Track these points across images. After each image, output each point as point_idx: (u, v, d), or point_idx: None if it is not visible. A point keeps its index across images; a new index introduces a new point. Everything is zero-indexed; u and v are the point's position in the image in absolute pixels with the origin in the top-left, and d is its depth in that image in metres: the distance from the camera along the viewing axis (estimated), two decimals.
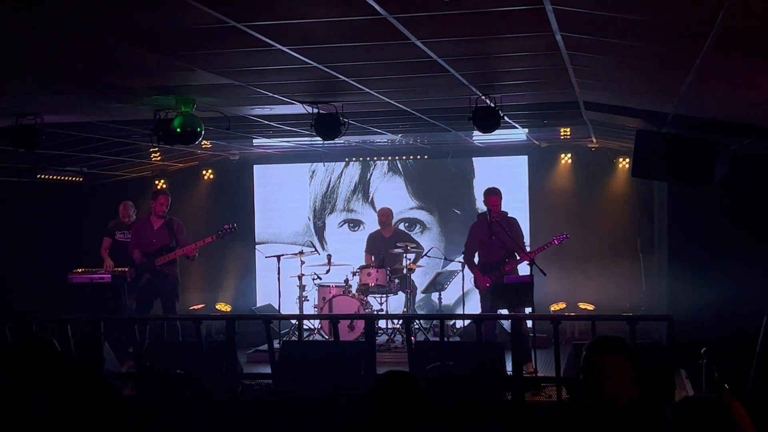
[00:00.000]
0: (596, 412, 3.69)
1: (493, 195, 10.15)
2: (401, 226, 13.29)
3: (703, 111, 7.47)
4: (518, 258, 10.00)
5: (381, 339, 11.00)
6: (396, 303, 12.30)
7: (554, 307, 12.29)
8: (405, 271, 11.57)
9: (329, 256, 12.10)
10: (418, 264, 11.96)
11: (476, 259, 10.31)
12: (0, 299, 11.23)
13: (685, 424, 2.78)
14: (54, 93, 7.36)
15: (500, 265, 9.97)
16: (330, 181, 14.23)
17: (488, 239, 10.02)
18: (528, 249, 10.52)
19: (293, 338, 11.11)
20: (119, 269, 11.39)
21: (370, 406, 2.95)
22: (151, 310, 10.64)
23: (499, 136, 11.22)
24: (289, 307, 12.27)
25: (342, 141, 11.61)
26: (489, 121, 8.08)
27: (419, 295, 12.40)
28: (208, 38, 5.39)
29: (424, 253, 12.00)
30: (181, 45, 5.63)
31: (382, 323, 11.66)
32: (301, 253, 12.09)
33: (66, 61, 6.09)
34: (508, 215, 10.31)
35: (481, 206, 13.26)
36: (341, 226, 14.20)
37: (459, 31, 5.38)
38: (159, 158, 12.85)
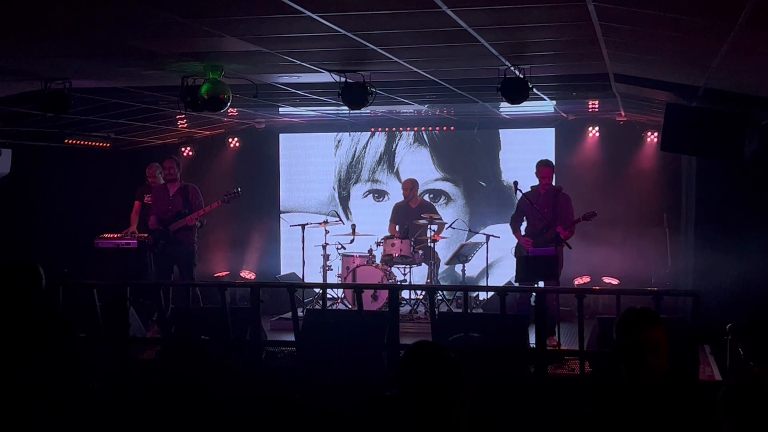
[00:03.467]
0: (634, 385, 3.69)
1: (545, 167, 10.30)
2: (426, 197, 13.27)
3: (734, 85, 7.38)
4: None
5: (404, 309, 11.03)
6: (419, 274, 12.31)
7: (579, 281, 12.25)
8: (429, 242, 11.57)
9: (353, 226, 12.12)
10: (442, 235, 11.94)
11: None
12: None
13: (735, 402, 2.77)
14: (83, 57, 7.38)
15: (539, 236, 10.00)
16: (355, 151, 14.22)
17: (530, 209, 10.12)
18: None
19: (317, 307, 11.16)
20: (143, 235, 11.46)
21: (399, 375, 2.96)
22: (171, 276, 10.72)
23: (527, 108, 11.15)
24: (313, 276, 12.33)
25: (368, 111, 11.59)
26: (518, 92, 8.02)
27: (442, 267, 12.41)
28: (237, 4, 5.38)
29: (448, 225, 11.98)
30: (210, 11, 5.62)
31: (405, 294, 11.69)
32: (326, 222, 12.11)
33: (95, 26, 6.09)
34: (562, 191, 10.36)
35: (506, 178, 13.25)
36: (366, 196, 14.20)
37: (490, 0, 5.33)
38: (185, 125, 12.87)
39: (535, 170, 10.33)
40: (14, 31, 6.24)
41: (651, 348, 3.68)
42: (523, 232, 10.40)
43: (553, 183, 10.50)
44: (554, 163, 12.81)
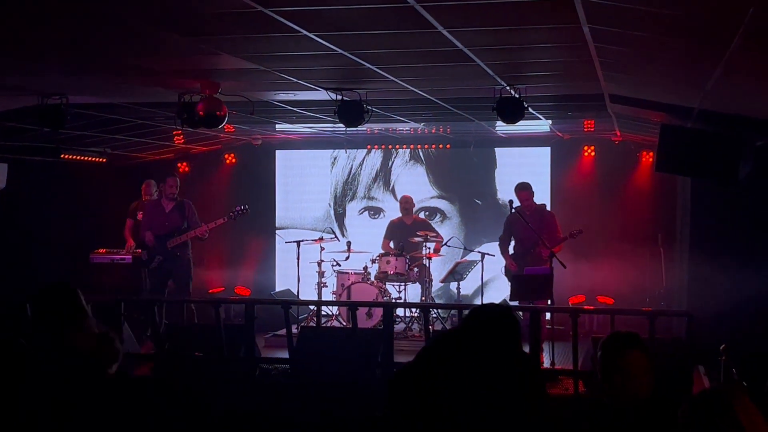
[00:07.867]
0: (616, 407, 3.70)
1: (521, 191, 10.66)
2: (421, 215, 13.28)
3: (729, 106, 7.41)
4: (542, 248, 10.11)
5: (398, 327, 11.01)
6: (414, 291, 12.31)
7: (573, 300, 12.24)
8: (425, 260, 11.57)
9: (349, 243, 12.12)
10: (439, 253, 11.94)
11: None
12: (22, 277, 11.31)
13: (692, 418, 2.81)
14: (80, 74, 7.40)
15: (525, 255, 10.14)
16: (351, 168, 14.23)
17: (514, 229, 10.46)
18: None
19: (311, 324, 11.14)
20: (139, 250, 11.47)
21: (391, 394, 2.97)
22: (166, 292, 10.73)
23: (522, 127, 11.18)
24: (308, 293, 12.31)
25: (364, 128, 11.56)
26: (513, 111, 8.05)
27: (437, 284, 12.40)
28: (235, 23, 5.40)
29: (443, 243, 11.98)
30: (208, 29, 5.65)
31: (399, 311, 11.67)
32: (321, 239, 12.12)
33: (93, 43, 6.12)
34: (546, 209, 10.59)
35: (502, 197, 13.26)
36: (361, 213, 14.21)
37: (486, 21, 5.37)
38: (182, 141, 12.89)
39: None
40: (12, 48, 6.26)
41: (631, 372, 3.70)
42: (511, 252, 10.59)
43: (537, 202, 10.72)
44: (550, 182, 12.93)
